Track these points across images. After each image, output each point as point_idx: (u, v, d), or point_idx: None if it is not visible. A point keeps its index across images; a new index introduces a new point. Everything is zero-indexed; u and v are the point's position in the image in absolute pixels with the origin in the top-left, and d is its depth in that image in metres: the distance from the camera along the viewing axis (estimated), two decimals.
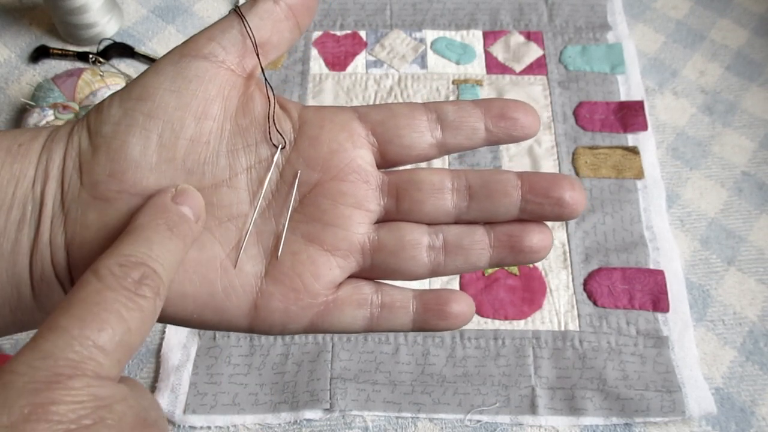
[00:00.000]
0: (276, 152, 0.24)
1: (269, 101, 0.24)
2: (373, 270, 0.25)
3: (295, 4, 0.25)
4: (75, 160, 0.22)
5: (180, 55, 0.23)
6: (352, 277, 0.25)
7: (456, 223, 0.25)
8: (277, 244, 0.24)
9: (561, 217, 0.24)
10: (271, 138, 0.24)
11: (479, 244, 0.24)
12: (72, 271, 0.22)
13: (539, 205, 0.24)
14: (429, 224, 0.25)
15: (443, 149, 0.25)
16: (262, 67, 0.24)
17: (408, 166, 0.26)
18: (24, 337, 0.48)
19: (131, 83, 0.23)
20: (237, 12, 0.24)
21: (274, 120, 0.24)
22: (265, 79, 0.25)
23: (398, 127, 0.24)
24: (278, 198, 0.24)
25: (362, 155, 0.24)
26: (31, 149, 0.22)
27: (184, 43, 0.24)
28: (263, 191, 0.24)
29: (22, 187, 0.22)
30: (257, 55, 0.24)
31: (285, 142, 0.24)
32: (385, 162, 0.25)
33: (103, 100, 0.23)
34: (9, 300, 0.22)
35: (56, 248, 0.22)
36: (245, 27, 0.23)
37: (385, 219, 0.25)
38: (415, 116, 0.25)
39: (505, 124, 0.24)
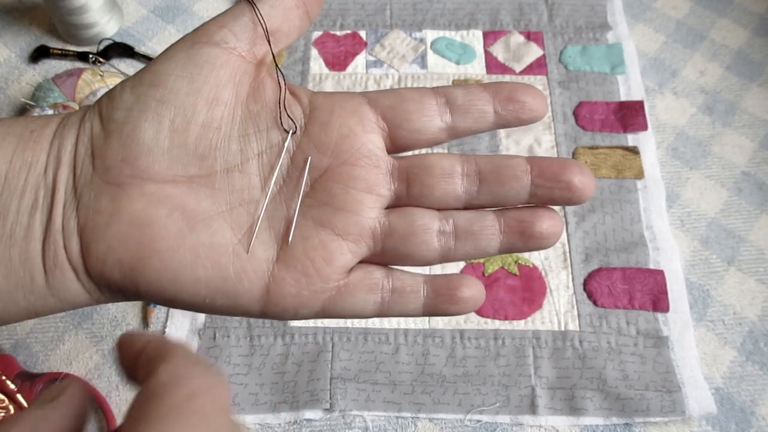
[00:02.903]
0: (287, 137, 0.24)
1: (280, 87, 0.24)
2: (383, 255, 0.25)
3: None
4: (87, 146, 0.23)
5: (191, 42, 0.23)
6: (362, 262, 0.25)
7: (466, 208, 0.25)
8: (289, 228, 0.24)
9: (570, 201, 0.24)
10: (282, 123, 0.24)
11: (489, 229, 0.24)
12: (84, 256, 0.22)
13: (549, 190, 0.24)
14: (439, 209, 0.25)
15: (453, 133, 0.25)
16: (273, 55, 0.25)
17: (418, 151, 0.26)
18: (24, 337, 0.48)
19: (143, 70, 0.23)
20: (248, 0, 0.24)
21: (284, 105, 0.24)
22: (276, 66, 0.25)
23: (408, 112, 0.24)
24: (289, 183, 0.24)
25: (372, 140, 0.24)
26: (43, 135, 0.23)
27: (195, 30, 0.24)
28: (275, 176, 0.24)
29: (35, 173, 0.22)
30: (269, 42, 0.24)
31: (296, 128, 0.24)
32: (395, 146, 0.25)
33: (115, 87, 0.23)
34: (22, 285, 0.22)
35: (69, 233, 0.22)
36: (256, 14, 0.24)
37: (395, 204, 0.25)
38: (424, 100, 0.25)
39: (513, 107, 0.24)
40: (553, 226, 0.24)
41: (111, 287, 0.23)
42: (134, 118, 0.22)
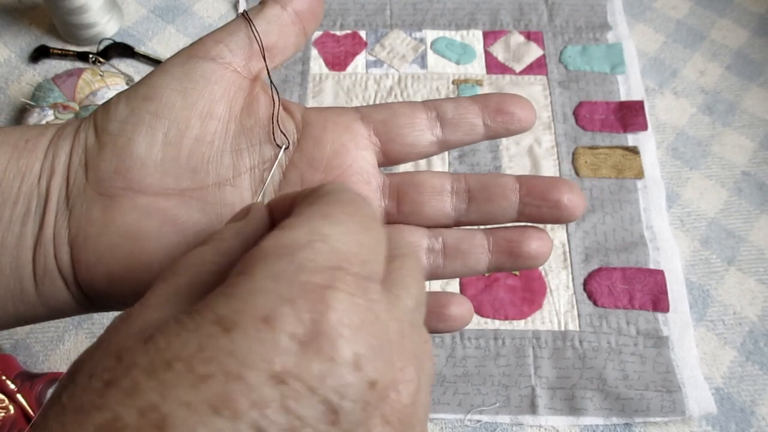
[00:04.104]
0: (279, 153, 0.24)
1: (273, 102, 0.24)
2: None
3: (302, 10, 0.25)
4: (81, 157, 0.23)
5: (187, 57, 0.23)
6: None
7: (456, 225, 0.25)
8: None
9: (559, 219, 0.24)
10: (274, 138, 0.24)
11: (478, 248, 0.25)
12: (75, 265, 0.22)
13: (537, 208, 0.24)
14: (429, 227, 0.25)
15: (444, 146, 0.25)
16: (268, 71, 0.25)
17: (407, 166, 0.26)
18: (24, 337, 0.48)
19: (138, 83, 0.23)
20: (245, 16, 0.24)
21: (277, 121, 0.24)
22: (270, 82, 0.25)
23: (400, 127, 0.25)
24: None
25: (364, 156, 0.25)
26: (37, 145, 0.23)
27: (191, 44, 0.24)
28: (263, 190, 0.24)
29: (28, 182, 0.22)
30: (264, 59, 0.24)
31: (288, 143, 0.24)
32: (387, 160, 0.26)
33: (111, 99, 0.23)
34: (12, 294, 0.22)
35: (59, 244, 0.22)
36: (252, 31, 0.24)
37: (386, 221, 0.25)
38: (415, 115, 0.25)
39: (502, 118, 0.25)
40: (542, 246, 0.24)
41: (100, 297, 0.23)
42: (128, 131, 0.22)
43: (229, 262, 0.17)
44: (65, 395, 0.14)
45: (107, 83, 0.57)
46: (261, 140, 0.24)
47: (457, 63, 0.63)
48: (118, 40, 0.63)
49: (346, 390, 0.14)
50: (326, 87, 0.61)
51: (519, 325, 0.49)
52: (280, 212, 0.19)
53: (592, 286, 0.50)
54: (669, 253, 0.52)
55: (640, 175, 0.56)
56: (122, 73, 0.60)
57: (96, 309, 0.24)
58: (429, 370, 0.17)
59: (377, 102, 0.60)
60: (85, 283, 0.22)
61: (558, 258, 0.52)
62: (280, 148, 0.24)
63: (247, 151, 0.24)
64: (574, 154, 0.57)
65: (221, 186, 0.23)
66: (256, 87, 0.25)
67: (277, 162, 0.24)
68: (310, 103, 0.60)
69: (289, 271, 0.15)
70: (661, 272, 0.51)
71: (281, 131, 0.24)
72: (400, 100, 0.60)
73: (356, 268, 0.15)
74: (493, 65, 0.62)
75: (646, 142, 0.58)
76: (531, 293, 0.50)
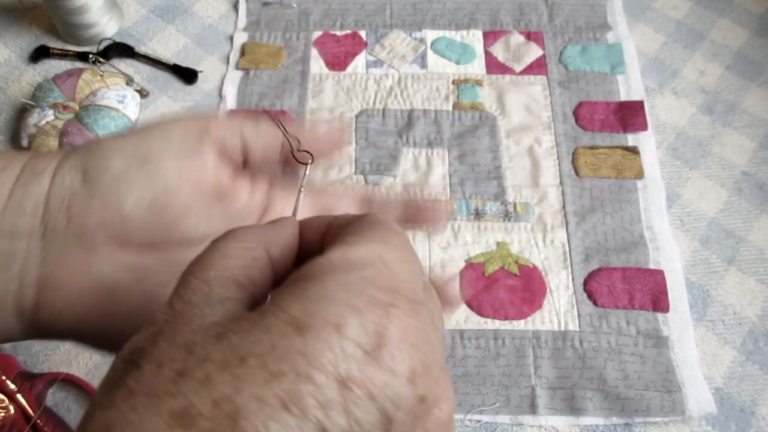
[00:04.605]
0: (305, 170, 0.24)
1: (288, 139, 0.25)
2: None
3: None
4: (65, 201, 0.22)
5: (192, 130, 0.24)
6: None
7: None
8: None
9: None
10: (295, 158, 0.25)
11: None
12: (39, 306, 0.22)
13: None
14: None
15: None
16: (290, 141, 0.25)
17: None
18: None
19: (137, 138, 0.23)
20: (271, 118, 0.25)
21: (290, 148, 0.25)
22: (282, 129, 0.25)
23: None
24: None
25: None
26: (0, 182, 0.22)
27: (197, 117, 0.24)
28: (296, 209, 0.24)
29: None
30: (294, 156, 0.25)
31: (312, 158, 0.25)
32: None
33: (102, 144, 0.23)
34: None
35: (26, 284, 0.22)
36: (280, 130, 0.25)
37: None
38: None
39: (413, 226, 0.27)
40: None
41: (57, 334, 0.23)
42: (122, 189, 0.22)
43: (258, 268, 0.18)
44: (131, 379, 0.15)
45: (107, 83, 0.57)
46: (242, 217, 0.25)
47: (457, 63, 0.63)
48: (118, 40, 0.63)
49: (400, 401, 0.15)
50: (326, 87, 0.61)
51: (519, 325, 0.49)
52: (313, 232, 0.20)
53: (592, 286, 0.50)
54: (669, 253, 0.52)
55: (640, 175, 0.56)
56: (122, 73, 0.60)
57: (41, 338, 0.24)
58: None
59: (377, 102, 0.60)
60: (45, 322, 0.22)
61: (558, 258, 0.52)
62: (305, 165, 0.24)
63: (227, 220, 0.24)
64: (574, 154, 0.57)
65: (206, 242, 0.24)
66: (246, 174, 0.25)
67: (302, 186, 0.24)
68: (310, 104, 0.60)
69: (358, 283, 0.16)
70: (661, 272, 0.51)
71: (295, 157, 0.25)
72: (400, 100, 0.60)
73: (408, 293, 0.17)
74: (493, 65, 0.62)
75: (646, 142, 0.58)
76: (531, 293, 0.50)
